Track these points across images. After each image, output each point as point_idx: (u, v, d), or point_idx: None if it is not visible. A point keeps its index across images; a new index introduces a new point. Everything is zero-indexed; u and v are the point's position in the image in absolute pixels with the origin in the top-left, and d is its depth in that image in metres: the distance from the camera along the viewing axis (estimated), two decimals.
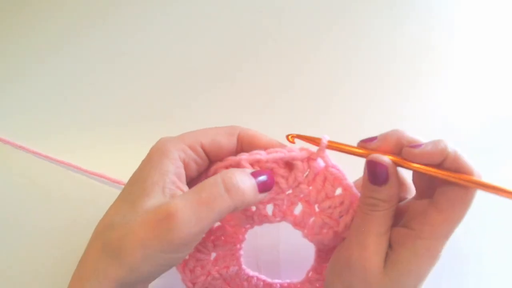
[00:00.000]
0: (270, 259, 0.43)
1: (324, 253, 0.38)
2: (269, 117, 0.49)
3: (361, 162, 0.32)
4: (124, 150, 0.48)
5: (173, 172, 0.31)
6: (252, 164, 0.33)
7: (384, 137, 0.32)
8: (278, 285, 0.40)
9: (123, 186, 0.32)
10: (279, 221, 0.36)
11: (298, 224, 0.35)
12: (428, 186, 0.32)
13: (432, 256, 0.30)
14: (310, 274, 0.39)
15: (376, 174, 0.30)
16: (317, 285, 0.40)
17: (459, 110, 0.52)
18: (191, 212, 0.27)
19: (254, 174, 0.31)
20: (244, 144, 0.34)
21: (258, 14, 0.55)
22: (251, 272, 0.40)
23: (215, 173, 0.33)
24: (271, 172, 0.32)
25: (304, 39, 0.54)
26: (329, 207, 0.34)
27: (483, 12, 0.56)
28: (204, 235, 0.31)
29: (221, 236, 0.37)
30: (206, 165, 0.34)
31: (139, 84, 0.53)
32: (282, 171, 0.33)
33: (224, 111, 0.50)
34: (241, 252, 0.38)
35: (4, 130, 0.51)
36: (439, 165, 0.30)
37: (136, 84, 0.53)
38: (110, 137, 0.50)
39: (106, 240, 0.29)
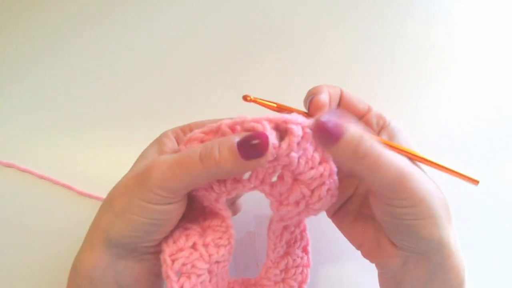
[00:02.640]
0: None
1: (279, 240, 0.37)
2: None
3: None
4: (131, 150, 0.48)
5: (169, 144, 0.34)
6: (233, 128, 0.30)
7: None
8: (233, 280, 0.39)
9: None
10: (252, 189, 0.33)
11: (272, 194, 0.33)
12: None
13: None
14: (268, 271, 0.38)
15: (330, 130, 0.29)
16: (276, 279, 0.38)
17: (460, 110, 0.52)
18: (168, 167, 0.29)
19: (240, 141, 0.29)
20: None
21: (260, 15, 0.56)
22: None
23: (188, 142, 0.32)
24: (261, 135, 0.29)
25: (305, 40, 0.54)
26: (311, 178, 0.32)
27: (484, 13, 0.56)
28: (183, 203, 0.31)
29: (206, 213, 0.35)
30: None
31: (138, 85, 0.53)
32: (272, 135, 0.29)
33: (225, 112, 0.50)
34: (232, 231, 0.34)
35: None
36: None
37: (136, 85, 0.53)
38: (106, 139, 0.51)
39: (105, 198, 0.32)
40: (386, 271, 0.34)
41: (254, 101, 0.34)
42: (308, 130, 0.31)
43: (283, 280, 0.39)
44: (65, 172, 0.48)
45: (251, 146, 0.28)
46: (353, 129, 0.29)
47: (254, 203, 0.39)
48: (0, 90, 0.52)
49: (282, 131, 0.30)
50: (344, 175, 0.34)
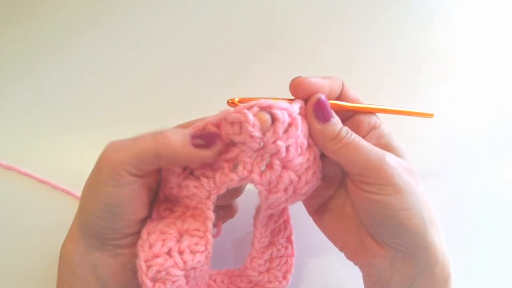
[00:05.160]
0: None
1: (264, 230, 0.37)
2: None
3: None
4: None
5: None
6: (218, 126, 0.31)
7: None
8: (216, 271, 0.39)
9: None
10: (242, 181, 0.32)
11: (262, 183, 0.32)
12: None
13: None
14: (253, 261, 0.38)
15: (326, 109, 0.32)
16: (260, 269, 0.38)
17: (460, 111, 0.52)
18: (121, 141, 0.31)
19: (193, 133, 0.31)
20: None
21: (260, 15, 0.56)
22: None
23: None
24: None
25: (305, 40, 0.54)
26: (299, 164, 0.32)
27: (484, 13, 0.56)
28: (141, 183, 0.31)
29: (187, 211, 0.34)
30: None
31: (139, 85, 0.53)
32: (255, 125, 0.29)
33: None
34: (210, 236, 0.32)
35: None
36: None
37: (137, 85, 0.53)
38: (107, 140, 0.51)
39: None
40: (372, 272, 0.34)
41: (241, 102, 0.33)
42: (296, 116, 0.31)
43: (267, 270, 0.39)
44: (64, 173, 0.48)
45: (203, 138, 0.31)
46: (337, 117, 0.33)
47: (254, 203, 0.39)
48: (0, 90, 0.52)
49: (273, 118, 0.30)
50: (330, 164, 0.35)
